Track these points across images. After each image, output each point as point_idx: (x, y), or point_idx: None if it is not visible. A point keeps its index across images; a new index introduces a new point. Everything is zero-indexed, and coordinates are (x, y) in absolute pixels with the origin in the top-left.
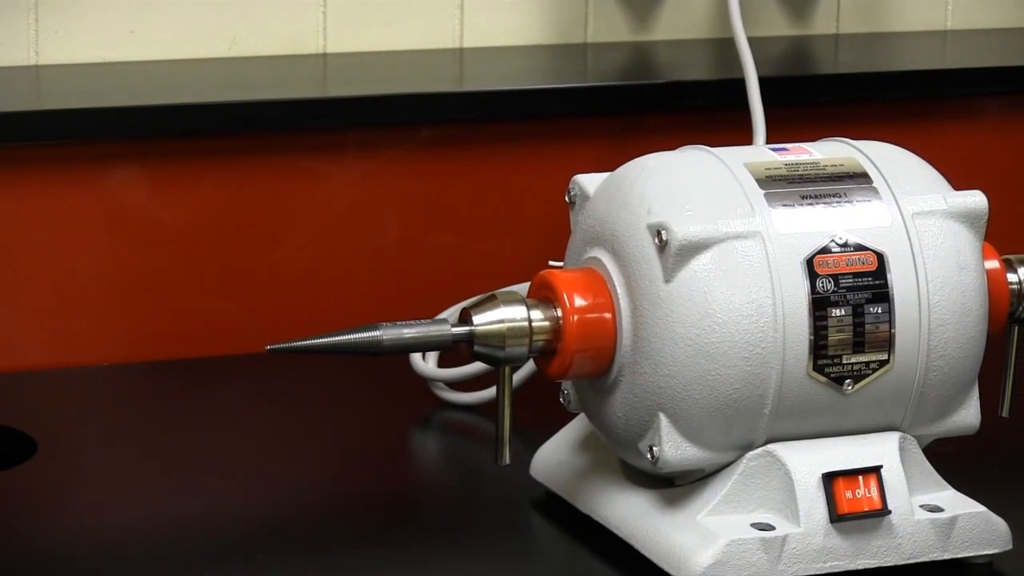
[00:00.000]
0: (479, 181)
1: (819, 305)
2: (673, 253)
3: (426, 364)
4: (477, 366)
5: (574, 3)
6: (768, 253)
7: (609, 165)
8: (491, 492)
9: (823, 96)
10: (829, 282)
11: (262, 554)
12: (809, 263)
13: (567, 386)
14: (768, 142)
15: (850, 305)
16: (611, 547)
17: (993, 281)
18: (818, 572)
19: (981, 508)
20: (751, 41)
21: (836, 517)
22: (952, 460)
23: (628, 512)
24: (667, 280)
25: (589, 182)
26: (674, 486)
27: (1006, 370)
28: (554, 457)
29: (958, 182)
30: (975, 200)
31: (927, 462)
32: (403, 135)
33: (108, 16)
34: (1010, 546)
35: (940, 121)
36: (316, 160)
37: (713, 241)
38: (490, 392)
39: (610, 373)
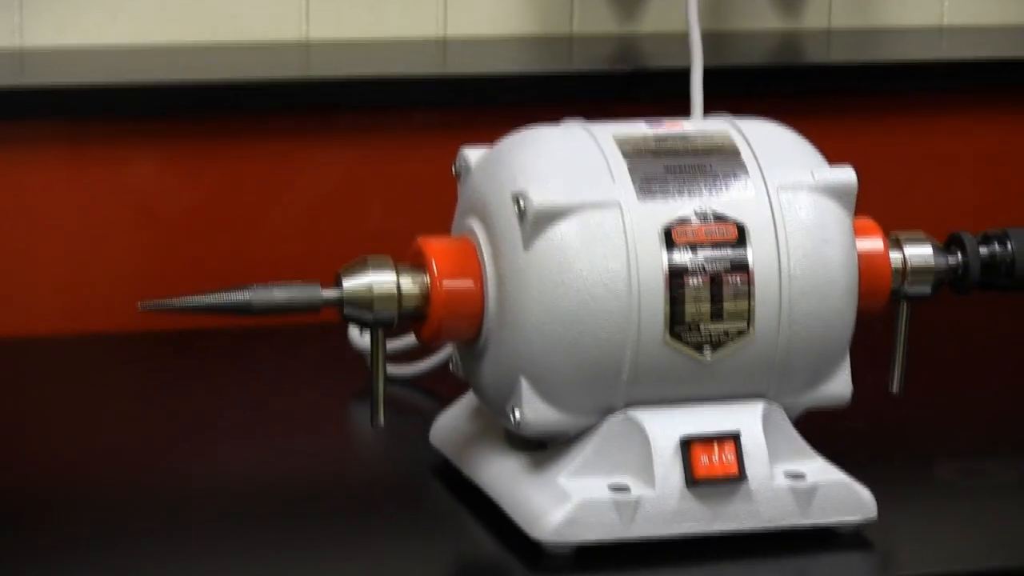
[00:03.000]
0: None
1: (676, 274)
2: (530, 221)
3: (362, 339)
4: (411, 339)
5: None
6: (626, 222)
7: None
8: (398, 460)
9: (804, 87)
10: (687, 251)
11: (161, 525)
12: (667, 233)
13: (453, 352)
14: None
15: (707, 275)
16: (491, 511)
17: (870, 257)
18: (673, 533)
19: (844, 477)
20: (739, 35)
21: (692, 481)
22: (845, 433)
23: (501, 475)
24: (526, 248)
25: (473, 155)
26: (546, 449)
27: (895, 347)
28: (449, 424)
29: (947, 174)
30: (843, 175)
31: (794, 431)
32: (390, 118)
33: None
34: (873, 515)
35: (930, 114)
36: (301, 142)
37: (570, 210)
38: (427, 364)
39: (479, 339)
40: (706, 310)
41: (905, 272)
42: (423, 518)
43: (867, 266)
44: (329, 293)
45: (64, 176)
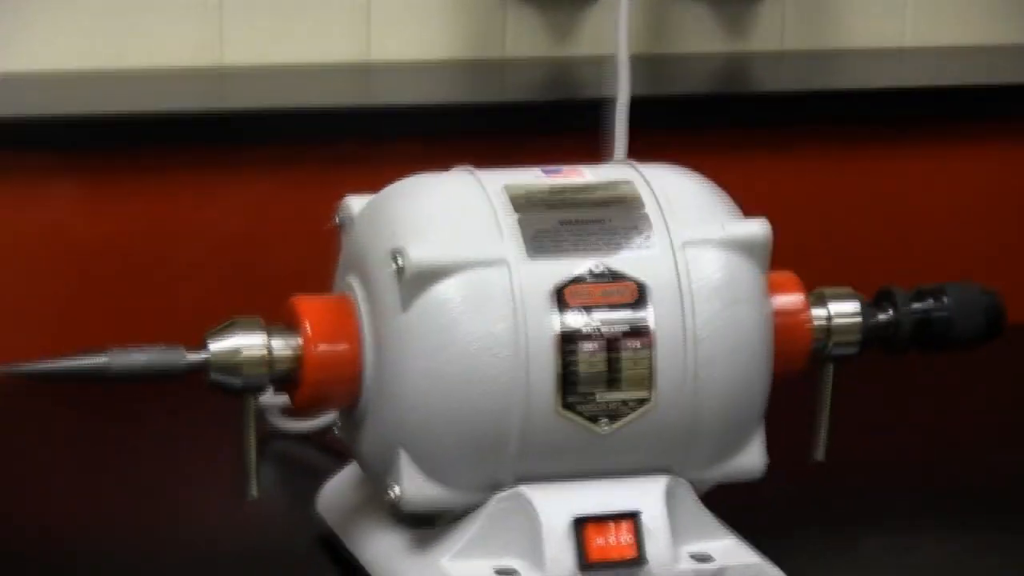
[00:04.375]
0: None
1: (568, 339)
2: (408, 279)
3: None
4: None
5: (490, 16)
6: (513, 282)
7: None
8: (285, 527)
9: (747, 116)
10: (581, 314)
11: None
12: (559, 293)
13: (336, 415)
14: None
15: (604, 338)
16: None
17: (788, 315)
18: None
19: (755, 558)
20: (683, 58)
21: (585, 565)
22: (763, 507)
23: (382, 553)
24: (404, 309)
25: (356, 204)
26: (434, 526)
27: (819, 411)
28: (336, 491)
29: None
30: (755, 229)
31: (702, 508)
32: (311, 150)
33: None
34: None
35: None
36: (216, 173)
37: (452, 268)
38: (323, 419)
39: (358, 406)
40: (602, 378)
41: (829, 331)
42: None
43: (784, 325)
44: (194, 356)
45: None
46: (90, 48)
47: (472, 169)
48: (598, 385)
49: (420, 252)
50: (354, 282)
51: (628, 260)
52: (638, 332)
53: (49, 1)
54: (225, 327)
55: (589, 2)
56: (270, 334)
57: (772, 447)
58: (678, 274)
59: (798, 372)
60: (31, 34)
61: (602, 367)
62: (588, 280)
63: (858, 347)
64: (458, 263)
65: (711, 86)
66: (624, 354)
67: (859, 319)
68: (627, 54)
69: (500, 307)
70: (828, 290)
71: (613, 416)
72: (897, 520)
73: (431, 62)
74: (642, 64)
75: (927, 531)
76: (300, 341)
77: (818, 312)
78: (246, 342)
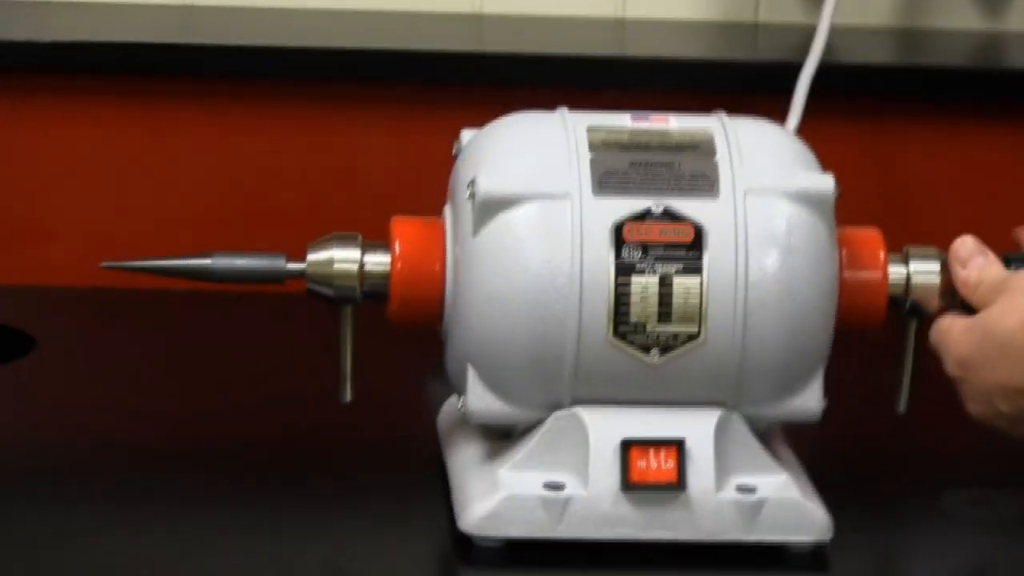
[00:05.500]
0: None
1: (623, 272)
2: (478, 207)
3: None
4: None
5: None
6: (575, 216)
7: None
8: (408, 436)
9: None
10: (636, 250)
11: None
12: (618, 229)
13: None
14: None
15: (657, 275)
16: None
17: (861, 271)
18: (604, 537)
19: (797, 494)
20: (939, 33)
21: (626, 485)
22: (848, 452)
23: (459, 461)
24: (475, 234)
25: (467, 136)
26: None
27: (903, 364)
28: (451, 407)
29: None
30: (818, 182)
31: (756, 442)
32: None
33: None
34: (826, 537)
35: None
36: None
37: (519, 199)
38: None
39: (443, 324)
40: (653, 311)
41: (908, 288)
42: (391, 495)
43: (857, 279)
44: (293, 265)
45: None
46: None
47: (567, 110)
48: (649, 318)
49: (490, 182)
50: (448, 208)
51: (690, 203)
52: (691, 271)
53: None
54: (326, 240)
55: None
56: (365, 250)
57: (860, 397)
58: (736, 220)
59: (878, 326)
60: None
61: (654, 301)
62: (648, 219)
63: (937, 306)
64: (525, 194)
65: (969, 59)
66: (676, 290)
67: (938, 278)
68: (827, 23)
69: (561, 238)
70: (914, 248)
71: (664, 348)
72: (972, 478)
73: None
74: (894, 36)
75: (1001, 487)
76: (390, 258)
77: (896, 269)
78: (340, 255)
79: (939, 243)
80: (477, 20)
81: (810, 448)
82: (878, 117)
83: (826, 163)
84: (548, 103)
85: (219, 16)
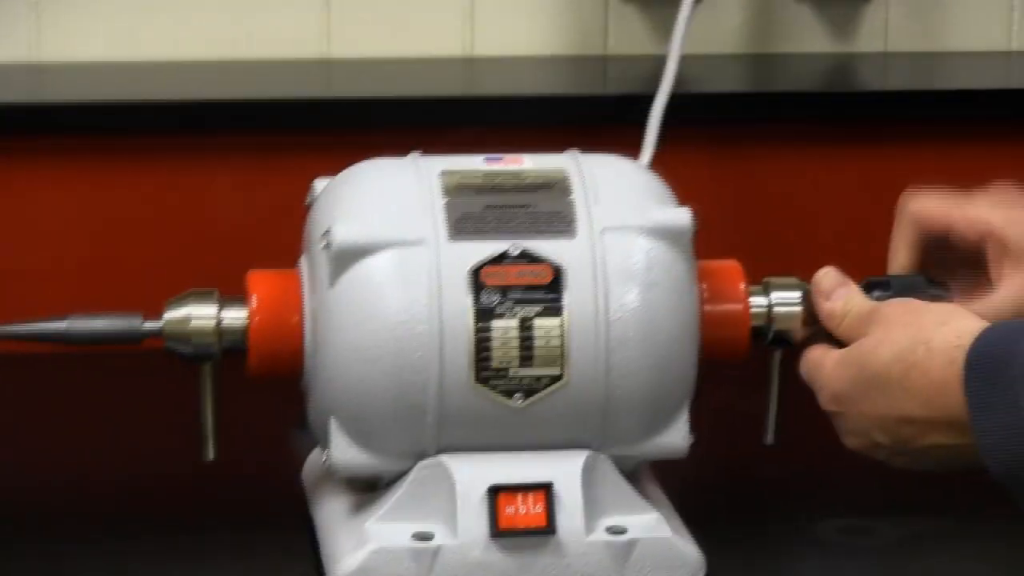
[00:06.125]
0: None
1: (483, 316)
2: (333, 256)
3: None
4: None
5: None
6: (431, 262)
7: None
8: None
9: (854, 113)
10: (495, 294)
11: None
12: (476, 273)
13: None
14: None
15: (517, 318)
16: None
17: (721, 302)
18: None
19: (669, 534)
20: (789, 57)
21: (496, 532)
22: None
23: (328, 514)
24: (331, 284)
25: (321, 185)
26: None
27: (768, 395)
28: (315, 460)
29: None
30: (675, 217)
31: (624, 483)
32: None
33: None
34: (700, 574)
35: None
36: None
37: (374, 247)
38: None
39: (304, 376)
40: (515, 355)
41: (770, 318)
42: (259, 553)
43: (718, 312)
44: (150, 325)
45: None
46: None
47: (419, 155)
48: (511, 362)
49: (345, 231)
50: (304, 259)
51: (548, 243)
52: (551, 312)
53: None
54: (183, 297)
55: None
56: (223, 305)
57: (727, 430)
58: (594, 258)
59: (742, 357)
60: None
61: (515, 344)
62: (505, 262)
63: (799, 336)
64: (380, 242)
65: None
66: (537, 332)
67: (800, 308)
68: (678, 53)
69: (418, 285)
70: (774, 279)
71: (528, 392)
72: (845, 507)
73: (533, 58)
74: (744, 62)
75: (879, 516)
76: (247, 313)
77: (757, 300)
78: (198, 312)
79: (800, 265)
80: (325, 66)
81: (681, 484)
82: (733, 144)
83: (683, 193)
84: (401, 146)
85: (67, 73)
